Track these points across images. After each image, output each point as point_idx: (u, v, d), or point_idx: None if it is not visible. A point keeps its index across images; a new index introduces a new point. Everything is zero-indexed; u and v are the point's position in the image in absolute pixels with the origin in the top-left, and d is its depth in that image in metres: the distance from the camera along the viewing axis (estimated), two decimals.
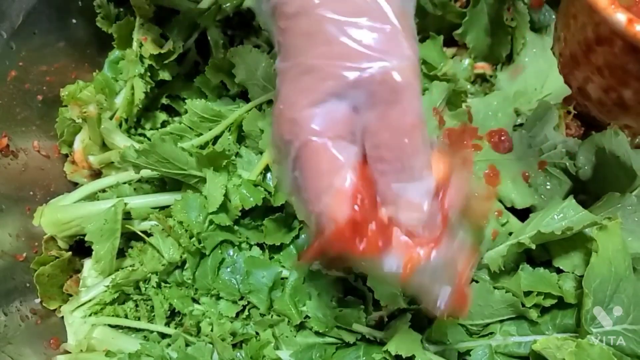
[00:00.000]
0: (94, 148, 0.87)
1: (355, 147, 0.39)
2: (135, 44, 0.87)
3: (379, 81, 0.36)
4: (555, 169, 0.73)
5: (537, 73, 0.80)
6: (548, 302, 0.64)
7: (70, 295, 0.82)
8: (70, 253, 0.83)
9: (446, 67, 0.83)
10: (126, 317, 0.79)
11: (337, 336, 0.72)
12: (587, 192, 0.72)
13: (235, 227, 0.79)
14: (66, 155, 0.90)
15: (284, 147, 0.40)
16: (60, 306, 0.80)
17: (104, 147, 0.88)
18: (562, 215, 0.65)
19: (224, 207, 0.76)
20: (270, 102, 0.81)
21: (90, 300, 0.79)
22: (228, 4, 0.88)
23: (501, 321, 0.66)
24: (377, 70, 0.36)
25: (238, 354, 0.73)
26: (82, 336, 0.77)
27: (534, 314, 0.64)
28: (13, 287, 0.76)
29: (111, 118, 0.87)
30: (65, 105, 0.85)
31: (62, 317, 0.80)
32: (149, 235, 0.81)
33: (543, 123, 0.71)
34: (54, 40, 0.86)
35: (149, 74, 0.87)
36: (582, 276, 0.62)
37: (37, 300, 0.78)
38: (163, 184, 0.86)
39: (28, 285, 0.77)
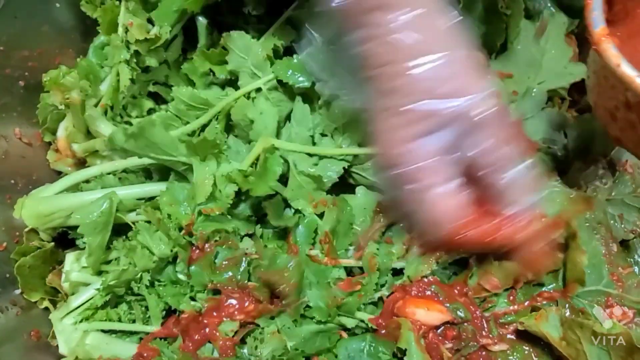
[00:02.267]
0: (78, 136, 0.85)
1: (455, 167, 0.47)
2: (120, 29, 0.84)
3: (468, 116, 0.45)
4: (541, 153, 0.74)
5: (531, 61, 0.80)
6: None
7: (54, 288, 0.79)
8: (52, 244, 0.81)
9: None
10: (120, 320, 0.76)
11: (337, 323, 0.71)
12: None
13: (229, 217, 0.77)
14: (49, 143, 0.87)
15: (388, 169, 0.48)
16: (42, 298, 0.78)
17: (89, 135, 0.86)
18: None
19: (212, 197, 0.74)
20: (259, 90, 0.80)
21: (80, 306, 0.76)
22: None
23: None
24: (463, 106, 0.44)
25: (245, 351, 0.72)
26: (74, 344, 0.73)
27: None
28: None
29: (96, 105, 0.85)
30: (47, 91, 0.82)
31: (44, 308, 0.78)
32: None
33: (531, 107, 0.71)
34: (37, 24, 0.84)
35: (134, 60, 0.84)
36: None
37: (18, 292, 0.76)
38: (149, 174, 0.84)
39: (8, 276, 0.75)
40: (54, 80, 0.80)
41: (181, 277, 0.76)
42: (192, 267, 0.75)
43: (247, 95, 0.80)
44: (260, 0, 0.86)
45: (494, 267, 0.70)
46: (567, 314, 0.68)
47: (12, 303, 0.75)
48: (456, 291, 0.71)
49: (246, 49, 0.80)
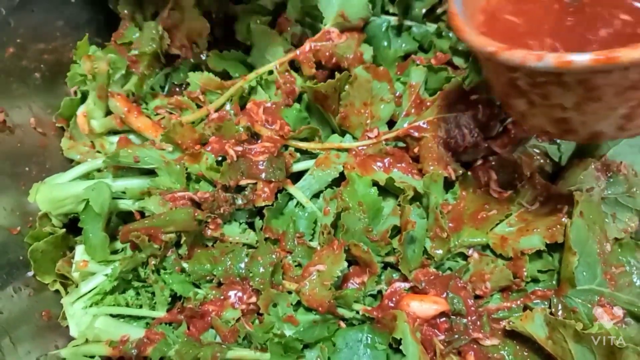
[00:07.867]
0: (97, 113, 0.87)
1: None
2: None
3: None
4: (536, 150, 0.76)
5: None
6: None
7: (63, 276, 0.82)
8: (64, 230, 0.84)
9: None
10: (127, 305, 0.79)
11: (335, 313, 0.73)
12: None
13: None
14: (62, 130, 0.90)
15: None
16: (53, 280, 0.81)
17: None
18: None
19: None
20: (270, 73, 0.83)
21: (90, 291, 0.79)
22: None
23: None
24: None
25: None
26: (84, 327, 0.77)
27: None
28: (6, 260, 0.77)
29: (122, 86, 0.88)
30: (76, 62, 0.87)
31: (55, 291, 0.81)
32: (143, 215, 0.82)
33: None
34: (53, 19, 0.87)
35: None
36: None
37: (30, 273, 0.79)
38: None
39: (21, 258, 0.78)
40: (83, 49, 0.84)
41: (185, 265, 0.78)
42: (194, 262, 0.78)
43: (260, 78, 0.84)
44: None
45: (489, 267, 0.72)
46: (560, 313, 0.70)
47: (24, 284, 0.78)
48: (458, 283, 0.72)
49: (266, 41, 0.85)
